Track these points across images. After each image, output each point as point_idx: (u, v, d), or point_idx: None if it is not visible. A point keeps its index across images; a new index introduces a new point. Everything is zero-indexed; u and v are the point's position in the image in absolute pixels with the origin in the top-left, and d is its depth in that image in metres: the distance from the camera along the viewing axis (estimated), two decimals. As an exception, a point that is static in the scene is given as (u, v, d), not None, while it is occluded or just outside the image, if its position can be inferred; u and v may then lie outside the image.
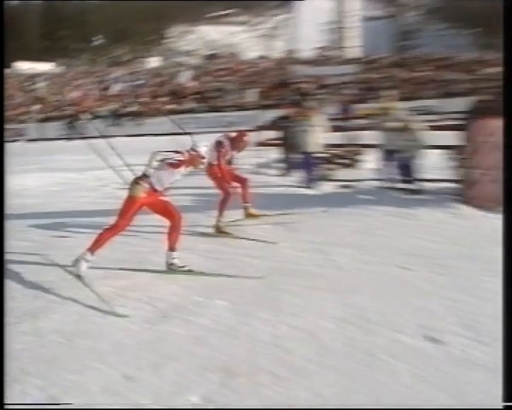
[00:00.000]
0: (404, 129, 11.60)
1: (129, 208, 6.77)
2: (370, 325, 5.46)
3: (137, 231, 8.35)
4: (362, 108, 21.09)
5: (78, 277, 6.58)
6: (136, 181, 6.77)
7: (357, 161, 14.71)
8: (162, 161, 6.82)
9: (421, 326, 5.41)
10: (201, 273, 6.92)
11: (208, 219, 9.16)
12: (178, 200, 11.09)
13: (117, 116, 39.75)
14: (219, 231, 8.83)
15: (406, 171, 11.62)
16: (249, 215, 9.37)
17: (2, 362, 4.51)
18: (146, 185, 6.75)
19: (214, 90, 43.57)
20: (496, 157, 9.92)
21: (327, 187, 12.25)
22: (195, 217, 9.26)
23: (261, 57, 60.85)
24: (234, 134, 9.41)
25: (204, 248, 8.02)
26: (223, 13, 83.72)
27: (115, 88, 47.85)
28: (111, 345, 5.21)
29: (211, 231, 8.91)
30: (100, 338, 5.35)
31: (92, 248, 6.70)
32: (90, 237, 6.83)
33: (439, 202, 10.23)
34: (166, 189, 7.06)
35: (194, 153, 7.13)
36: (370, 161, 13.40)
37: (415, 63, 45.26)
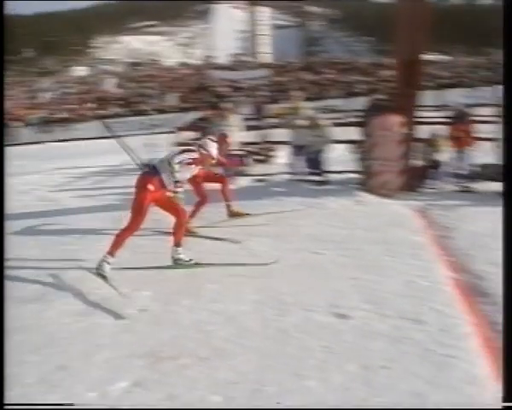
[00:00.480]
0: (312, 126, 11.72)
1: (141, 204, 6.44)
2: (284, 306, 5.51)
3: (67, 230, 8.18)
4: (273, 108, 21.19)
5: (104, 277, 6.26)
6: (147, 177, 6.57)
7: (270, 156, 14.76)
8: (179, 161, 6.56)
9: (331, 304, 5.51)
10: (210, 265, 6.76)
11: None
12: (107, 199, 11.04)
13: (47, 123, 38.76)
14: (187, 232, 8.52)
15: (314, 164, 11.76)
16: (233, 214, 8.88)
17: (2, 362, 4.36)
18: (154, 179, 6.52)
19: (137, 95, 43.04)
20: (392, 150, 10.16)
21: (243, 181, 12.24)
22: (123, 215, 9.13)
23: (181, 64, 60.55)
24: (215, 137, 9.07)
25: (140, 243, 7.85)
26: (144, 24, 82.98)
27: (45, 96, 46.69)
28: (45, 338, 5.09)
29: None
30: (35, 332, 5.23)
31: (112, 251, 6.38)
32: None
33: (343, 191, 10.38)
34: (175, 186, 6.68)
35: (205, 152, 6.92)
36: (282, 157, 13.50)
37: (320, 67, 45.93)
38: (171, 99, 40.51)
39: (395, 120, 10.15)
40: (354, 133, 11.45)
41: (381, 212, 8.97)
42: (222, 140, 8.88)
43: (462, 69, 44.62)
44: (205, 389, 4.18)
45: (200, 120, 15.53)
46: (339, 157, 12.26)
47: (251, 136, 14.49)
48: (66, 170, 16.72)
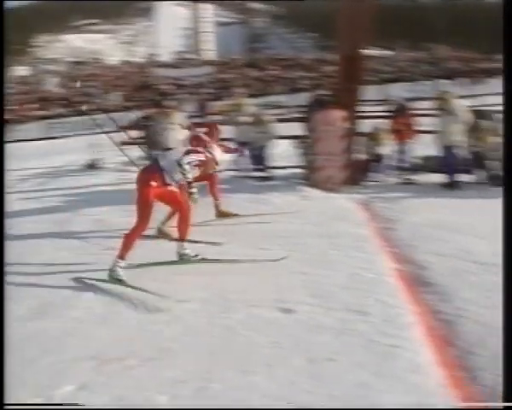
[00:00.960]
0: (255, 122, 11.75)
1: (146, 201, 6.28)
2: (230, 303, 5.50)
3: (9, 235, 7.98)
4: (217, 105, 21.19)
5: (120, 281, 6.10)
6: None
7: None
8: (189, 162, 6.36)
9: (277, 300, 5.52)
10: (217, 261, 6.69)
11: (78, 218, 8.92)
12: (50, 201, 10.85)
13: (-16, 124, 37.85)
14: (160, 233, 8.36)
15: (258, 160, 11.80)
16: (222, 214, 8.68)
17: (2, 362, 4.25)
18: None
19: (80, 94, 42.42)
20: (335, 144, 10.26)
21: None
22: (66, 216, 9.01)
23: (124, 62, 59.87)
24: (205, 128, 8.76)
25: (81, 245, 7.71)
26: (86, 22, 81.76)
27: (-17, 96, 45.61)
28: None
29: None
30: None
31: (122, 254, 6.21)
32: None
33: (288, 186, 10.44)
34: (189, 187, 6.48)
35: (210, 156, 6.79)
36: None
37: (264, 63, 46.05)
38: (115, 98, 40.05)
39: (337, 114, 10.26)
40: (298, 129, 11.53)
41: (325, 206, 9.06)
42: (212, 128, 8.70)
43: (403, 64, 45.38)
44: (151, 389, 4.14)
45: (144, 118, 15.41)
46: (283, 153, 12.33)
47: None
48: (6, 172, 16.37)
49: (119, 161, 15.01)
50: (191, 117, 15.81)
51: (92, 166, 14.97)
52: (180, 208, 6.66)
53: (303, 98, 16.49)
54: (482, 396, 4.04)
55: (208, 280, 6.10)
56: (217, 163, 6.87)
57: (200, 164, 6.69)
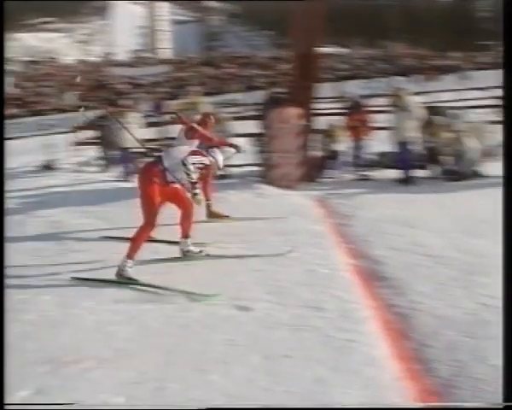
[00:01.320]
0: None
1: (152, 199, 6.19)
2: (186, 302, 5.47)
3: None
4: (174, 104, 21.08)
5: (131, 279, 6.03)
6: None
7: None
8: (193, 163, 6.33)
9: (233, 297, 5.51)
10: (221, 257, 6.68)
11: (32, 220, 8.79)
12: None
13: None
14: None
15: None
16: (213, 215, 8.48)
17: (2, 362, 4.14)
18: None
19: (35, 94, 41.87)
20: (291, 141, 10.29)
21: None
22: (21, 218, 8.87)
23: (80, 62, 59.23)
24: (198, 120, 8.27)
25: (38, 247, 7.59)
26: (41, 20, 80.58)
27: None
28: None
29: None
30: None
31: (131, 254, 6.14)
32: None
33: (245, 184, 10.44)
34: (193, 187, 6.42)
35: (213, 160, 6.69)
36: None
37: (221, 62, 46.01)
38: (70, 98, 39.57)
39: (293, 112, 10.30)
40: (254, 127, 11.54)
41: (281, 203, 9.07)
42: (206, 120, 8.49)
43: (359, 61, 45.78)
44: (108, 391, 4.08)
45: (100, 118, 15.29)
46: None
47: (151, 132, 14.37)
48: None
49: (75, 162, 14.86)
50: (147, 116, 15.77)
51: (48, 167, 14.75)
52: (183, 205, 6.60)
53: (259, 96, 16.55)
54: (437, 388, 4.09)
55: (163, 279, 6.04)
56: (219, 168, 6.81)
57: (204, 167, 6.62)
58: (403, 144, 11.23)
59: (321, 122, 12.17)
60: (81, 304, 5.59)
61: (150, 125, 14.77)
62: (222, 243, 7.23)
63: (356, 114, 12.16)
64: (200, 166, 6.50)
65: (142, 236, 6.23)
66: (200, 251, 6.77)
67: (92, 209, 9.17)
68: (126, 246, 7.15)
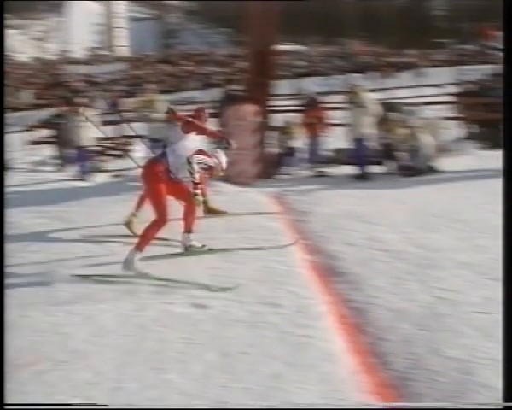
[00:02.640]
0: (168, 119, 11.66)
1: (160, 194, 6.20)
2: (142, 301, 5.44)
3: None
4: (130, 102, 20.90)
5: (141, 274, 5.98)
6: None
7: (127, 151, 14.61)
8: (198, 163, 6.28)
9: (189, 295, 5.49)
10: (223, 250, 6.68)
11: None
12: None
13: None
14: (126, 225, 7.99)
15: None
16: (210, 211, 8.32)
17: (2, 362, 4.10)
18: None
19: (-11, 93, 41.11)
20: (247, 138, 10.29)
21: (100, 178, 12.03)
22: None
23: (35, 59, 58.38)
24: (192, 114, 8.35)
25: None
26: (-6, 17, 79.19)
27: None
28: None
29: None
30: None
31: (140, 247, 6.13)
32: None
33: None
34: (194, 187, 6.33)
35: (217, 162, 6.57)
36: (139, 151, 13.36)
37: (178, 59, 45.82)
38: (25, 96, 38.94)
39: (249, 109, 10.30)
40: (211, 124, 11.51)
41: (238, 200, 9.04)
42: (200, 113, 8.32)
43: (316, 58, 45.97)
44: (64, 392, 4.05)
45: (55, 116, 15.12)
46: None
47: (107, 131, 14.25)
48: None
49: (31, 161, 14.66)
50: (103, 114, 15.63)
51: (2, 167, 14.52)
52: (188, 200, 6.55)
53: (216, 94, 16.50)
54: (393, 380, 4.13)
55: (119, 279, 6.02)
56: (222, 170, 6.76)
57: (207, 168, 6.56)
58: (359, 141, 11.32)
59: (277, 119, 12.21)
60: (36, 306, 5.51)
61: (107, 123, 14.64)
62: (178, 240, 7.19)
63: (312, 110, 12.22)
64: (205, 166, 6.48)
65: (154, 230, 6.24)
66: (203, 246, 6.78)
67: (48, 209, 9.02)
68: (84, 246, 7.14)
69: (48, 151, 14.98)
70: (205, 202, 8.10)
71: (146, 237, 6.21)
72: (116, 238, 7.39)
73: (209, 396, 3.91)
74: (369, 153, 11.53)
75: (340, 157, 12.02)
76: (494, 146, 13.76)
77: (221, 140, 7.01)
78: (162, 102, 12.21)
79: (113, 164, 13.32)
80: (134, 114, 13.63)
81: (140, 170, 6.92)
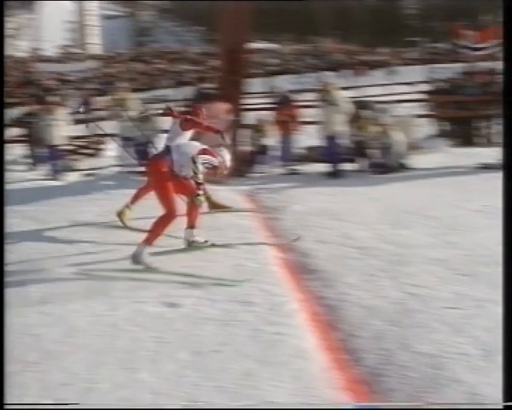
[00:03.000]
0: (140, 117, 11.61)
1: (166, 189, 6.26)
2: (114, 300, 5.41)
3: None
4: (102, 100, 20.78)
5: (152, 269, 6.02)
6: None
7: (99, 150, 14.54)
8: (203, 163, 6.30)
9: (162, 294, 5.47)
10: (226, 246, 6.69)
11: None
12: None
13: None
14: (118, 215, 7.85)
15: (143, 155, 11.62)
16: (215, 206, 8.38)
17: (2, 362, 4.06)
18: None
19: (-41, 91, 40.55)
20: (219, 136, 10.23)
21: (72, 177, 11.94)
22: None
23: (6, 57, 57.66)
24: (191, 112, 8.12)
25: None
26: (-38, 15, 78.18)
27: None
28: None
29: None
30: None
31: (149, 241, 6.18)
32: None
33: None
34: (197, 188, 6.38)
35: (222, 160, 6.55)
36: (111, 149, 13.29)
37: (151, 57, 45.59)
38: (-4, 94, 38.46)
39: (221, 107, 10.26)
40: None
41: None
42: (197, 112, 8.20)
43: (289, 57, 46.05)
44: (35, 394, 4.01)
45: (27, 115, 14.99)
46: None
47: (79, 129, 14.14)
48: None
49: (1, 160, 14.49)
50: (75, 113, 15.52)
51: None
52: (192, 196, 6.56)
53: (189, 92, 16.47)
54: (364, 376, 4.15)
55: (90, 278, 6.00)
56: (226, 168, 6.74)
57: (212, 168, 6.56)
58: (331, 138, 11.37)
59: (250, 117, 12.21)
60: (7, 307, 5.45)
61: (79, 121, 14.54)
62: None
63: (285, 108, 12.24)
64: (209, 166, 6.50)
65: (164, 224, 6.28)
66: (206, 241, 6.80)
67: (19, 209, 8.89)
68: (55, 246, 7.07)
69: (19, 150, 14.81)
70: (208, 198, 8.21)
71: (155, 232, 6.26)
72: (88, 238, 7.34)
73: (181, 395, 3.89)
74: (341, 150, 11.58)
75: (313, 155, 12.06)
76: (465, 143, 13.92)
77: (216, 134, 7.03)
78: (134, 100, 12.17)
79: (86, 163, 13.21)
80: (106, 112, 13.56)
81: (145, 166, 7.12)
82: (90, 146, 14.76)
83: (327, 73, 34.28)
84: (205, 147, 6.61)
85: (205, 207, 7.94)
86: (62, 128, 12.55)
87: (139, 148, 11.56)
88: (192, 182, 6.44)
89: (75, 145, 14.10)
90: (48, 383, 4.13)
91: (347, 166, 11.72)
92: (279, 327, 4.74)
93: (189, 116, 6.92)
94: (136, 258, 6.13)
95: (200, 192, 6.39)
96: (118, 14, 73.71)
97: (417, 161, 11.75)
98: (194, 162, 6.25)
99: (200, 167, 6.28)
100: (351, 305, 5.25)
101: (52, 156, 12.62)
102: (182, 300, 5.33)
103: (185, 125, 6.70)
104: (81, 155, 14.39)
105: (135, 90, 16.81)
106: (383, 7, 61.78)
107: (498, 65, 23.35)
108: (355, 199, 9.03)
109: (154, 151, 11.24)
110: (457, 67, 22.32)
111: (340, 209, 8.43)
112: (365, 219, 7.86)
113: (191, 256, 6.50)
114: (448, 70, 23.72)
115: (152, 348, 4.50)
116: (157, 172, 6.44)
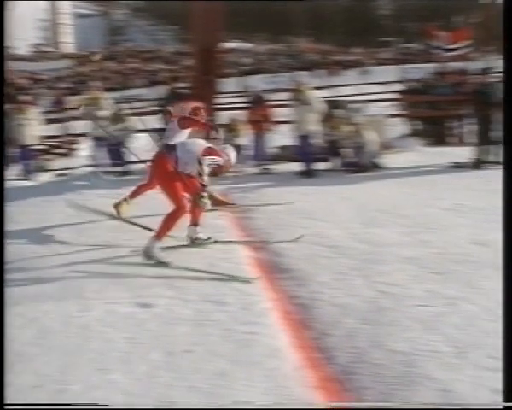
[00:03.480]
0: (113, 116, 11.55)
1: (174, 185, 6.32)
2: (87, 301, 5.37)
3: None
4: (75, 99, 20.64)
5: (165, 263, 6.06)
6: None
7: (72, 149, 14.43)
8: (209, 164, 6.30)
9: (134, 295, 5.45)
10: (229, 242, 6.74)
11: None
12: None
13: None
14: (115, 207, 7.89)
15: (116, 155, 11.60)
16: (218, 203, 8.34)
17: (2, 362, 4.01)
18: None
19: None
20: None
21: (44, 177, 11.83)
22: None
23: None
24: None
25: None
26: None
27: None
28: None
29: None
30: None
31: (160, 236, 6.25)
32: None
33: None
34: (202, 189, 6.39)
35: (227, 158, 6.52)
36: (84, 149, 13.20)
37: (125, 56, 45.35)
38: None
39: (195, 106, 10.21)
40: (158, 122, 11.46)
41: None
42: (197, 112, 8.15)
43: (263, 56, 46.12)
44: (6, 397, 3.94)
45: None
46: (142, 147, 12.19)
47: (52, 129, 14.02)
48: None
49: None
50: (48, 112, 15.39)
51: None
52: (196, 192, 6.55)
53: (163, 91, 16.43)
54: (337, 375, 4.16)
55: (62, 278, 5.96)
56: (231, 166, 6.74)
57: (217, 167, 6.57)
58: (304, 138, 11.41)
59: (223, 117, 12.19)
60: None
61: (51, 121, 14.41)
62: (122, 239, 7.13)
63: (258, 108, 12.25)
64: (215, 166, 6.52)
65: (174, 219, 6.31)
66: (209, 238, 6.87)
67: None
68: (27, 247, 7.01)
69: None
70: (211, 196, 8.21)
71: (166, 227, 6.29)
72: (60, 238, 7.29)
73: (154, 396, 3.87)
74: (314, 150, 11.63)
75: (286, 154, 12.09)
76: (437, 142, 14.05)
77: (211, 130, 7.04)
78: (107, 99, 12.10)
79: (58, 163, 13.09)
80: (79, 111, 13.46)
81: (150, 162, 7.06)
82: (62, 146, 14.64)
83: (301, 72, 34.34)
84: (210, 145, 6.63)
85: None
86: (34, 128, 12.45)
87: (111, 147, 11.51)
88: (196, 181, 6.48)
89: (47, 145, 13.96)
90: (19, 385, 4.08)
91: (320, 166, 11.77)
92: (252, 326, 4.75)
93: (187, 115, 6.96)
94: (147, 253, 6.19)
95: (205, 194, 6.41)
96: (91, 12, 73.20)
97: (390, 160, 11.84)
98: (200, 164, 6.29)
99: (206, 169, 6.32)
100: (323, 304, 5.25)
101: (24, 156, 12.50)
102: (154, 300, 5.31)
103: (183, 123, 6.73)
104: (53, 154, 14.26)
105: (108, 90, 16.69)
106: (357, 7, 62.16)
107: (470, 65, 23.74)
108: (328, 198, 9.06)
109: (126, 152, 11.28)
110: (430, 67, 22.57)
111: (313, 208, 8.46)
112: (338, 218, 7.89)
113: (164, 254, 6.45)
114: (421, 70, 23.99)
115: (124, 349, 4.47)
116: (163, 168, 6.50)
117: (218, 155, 6.53)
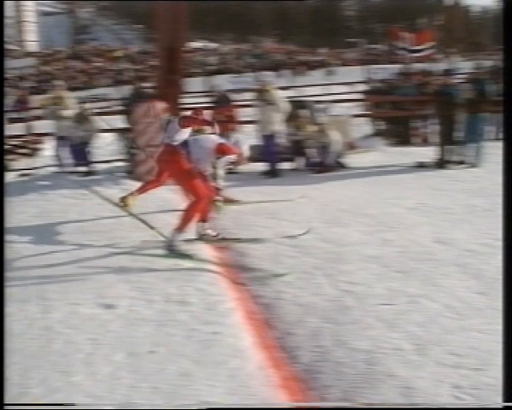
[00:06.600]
0: (77, 116, 11.45)
1: (192, 179, 6.35)
2: (49, 303, 5.31)
3: None
4: (39, 99, 20.39)
5: (189, 256, 6.14)
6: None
7: (36, 149, 14.26)
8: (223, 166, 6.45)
9: (97, 296, 5.41)
10: (237, 240, 6.78)
11: None
12: None
13: None
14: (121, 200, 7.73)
15: (80, 155, 11.49)
16: (225, 201, 8.00)
17: (2, 362, 3.94)
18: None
19: None
20: (156, 136, 10.15)
21: (7, 177, 11.68)
22: None
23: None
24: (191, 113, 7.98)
25: None
26: None
27: None
28: None
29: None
30: None
31: (182, 228, 6.29)
32: None
33: (111, 180, 10.18)
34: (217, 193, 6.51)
35: (239, 151, 6.42)
36: (48, 149, 13.05)
37: (89, 55, 44.99)
38: None
39: (158, 107, 10.17)
40: (122, 121, 11.38)
41: (148, 198, 8.95)
42: (197, 113, 8.01)
43: (228, 56, 46.12)
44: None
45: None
46: (107, 146, 12.11)
47: (15, 128, 13.84)
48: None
49: None
50: (11, 111, 15.19)
51: None
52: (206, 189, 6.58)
53: (127, 91, 16.33)
54: (300, 374, 4.18)
55: (25, 280, 5.88)
56: (243, 159, 6.76)
57: (231, 164, 6.60)
58: (269, 137, 11.41)
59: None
60: None
61: (14, 120, 14.25)
62: (88, 240, 7.07)
63: (223, 108, 12.22)
64: (230, 166, 6.55)
65: (194, 210, 6.38)
66: (217, 234, 6.96)
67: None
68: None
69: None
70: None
71: (187, 218, 6.33)
72: (23, 240, 7.20)
73: (117, 397, 3.85)
74: (278, 150, 11.64)
75: (251, 154, 12.08)
76: (401, 142, 14.19)
77: (209, 126, 7.06)
78: (72, 99, 11.99)
79: (21, 163, 12.93)
80: (42, 111, 13.31)
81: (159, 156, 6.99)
82: (25, 146, 14.44)
83: (266, 72, 34.40)
84: (222, 141, 6.78)
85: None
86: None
87: (76, 147, 11.40)
88: (211, 185, 6.67)
89: (10, 145, 13.76)
90: (-20, 388, 4.03)
91: (285, 166, 11.81)
92: (215, 326, 4.75)
93: (186, 114, 7.03)
94: (170, 246, 6.27)
95: (219, 198, 6.59)
96: (56, 10, 72.40)
97: (354, 160, 11.92)
98: (215, 168, 6.36)
99: (222, 173, 6.37)
100: (287, 303, 5.29)
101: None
102: (117, 301, 5.28)
103: (183, 122, 6.75)
104: (17, 154, 14.06)
105: (72, 89, 16.55)
106: (323, 8, 62.55)
107: (434, 66, 24.03)
108: (292, 197, 9.06)
109: (90, 152, 11.16)
110: (394, 68, 22.81)
111: (278, 208, 8.48)
112: (302, 218, 7.91)
113: (128, 257, 6.44)
114: (385, 71, 24.25)
115: (87, 351, 4.44)
116: (178, 163, 6.50)
117: (231, 150, 6.65)
